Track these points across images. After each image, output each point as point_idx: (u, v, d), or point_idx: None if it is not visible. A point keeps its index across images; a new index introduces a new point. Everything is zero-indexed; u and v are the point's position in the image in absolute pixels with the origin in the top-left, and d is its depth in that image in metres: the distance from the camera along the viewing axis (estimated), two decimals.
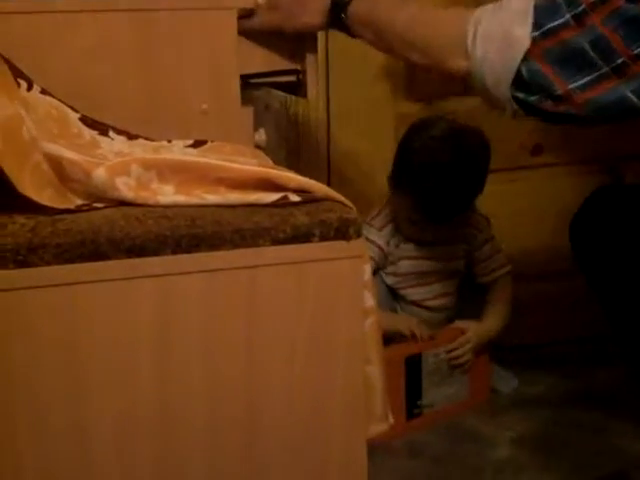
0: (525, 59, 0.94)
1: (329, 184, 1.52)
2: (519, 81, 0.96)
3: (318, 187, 0.90)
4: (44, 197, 0.83)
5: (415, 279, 1.59)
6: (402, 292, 1.60)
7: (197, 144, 1.03)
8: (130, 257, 0.80)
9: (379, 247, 1.56)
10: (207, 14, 1.10)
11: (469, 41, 0.97)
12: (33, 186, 0.83)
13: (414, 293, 1.60)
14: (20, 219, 0.83)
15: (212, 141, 1.04)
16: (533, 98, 0.96)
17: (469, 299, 1.63)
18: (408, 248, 1.58)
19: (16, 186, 0.81)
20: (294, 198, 0.88)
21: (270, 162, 1.03)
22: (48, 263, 0.78)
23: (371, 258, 1.51)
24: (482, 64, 0.97)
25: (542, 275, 1.69)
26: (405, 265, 1.58)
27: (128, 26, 1.07)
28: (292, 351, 0.87)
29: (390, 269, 1.59)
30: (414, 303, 1.60)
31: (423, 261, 1.58)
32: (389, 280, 1.59)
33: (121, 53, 1.08)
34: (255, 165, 0.91)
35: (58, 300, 0.79)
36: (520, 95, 0.97)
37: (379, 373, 0.90)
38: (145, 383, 0.83)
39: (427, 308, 1.60)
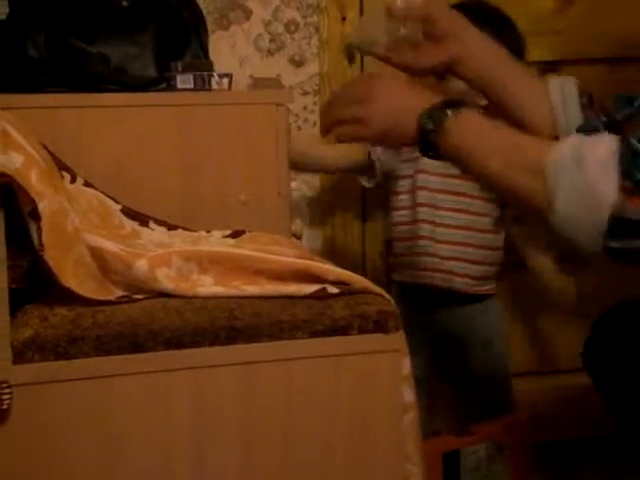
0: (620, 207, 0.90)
1: (364, 275, 1.54)
2: (615, 231, 0.92)
3: (356, 279, 0.90)
4: (86, 289, 0.84)
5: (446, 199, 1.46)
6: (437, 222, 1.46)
7: (235, 234, 1.04)
8: (168, 349, 0.80)
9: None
10: (246, 109, 1.12)
11: (549, 193, 0.93)
12: (75, 278, 0.84)
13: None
14: (61, 311, 0.84)
15: (250, 231, 1.05)
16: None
17: None
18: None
19: (59, 278, 0.83)
20: (332, 290, 0.88)
21: (307, 252, 1.04)
22: (87, 355, 0.79)
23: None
24: (565, 220, 0.93)
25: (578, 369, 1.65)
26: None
27: (170, 120, 1.10)
28: (330, 446, 0.85)
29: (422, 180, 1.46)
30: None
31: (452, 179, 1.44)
32: (423, 194, 1.46)
33: (163, 146, 1.10)
34: (293, 255, 0.91)
35: (96, 392, 0.79)
36: (616, 245, 0.93)
37: (419, 472, 0.88)
38: (182, 476, 0.82)
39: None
